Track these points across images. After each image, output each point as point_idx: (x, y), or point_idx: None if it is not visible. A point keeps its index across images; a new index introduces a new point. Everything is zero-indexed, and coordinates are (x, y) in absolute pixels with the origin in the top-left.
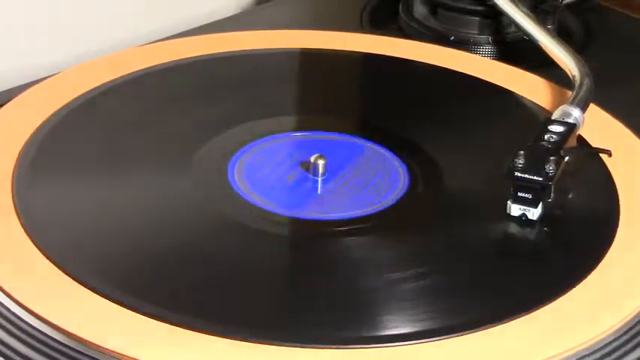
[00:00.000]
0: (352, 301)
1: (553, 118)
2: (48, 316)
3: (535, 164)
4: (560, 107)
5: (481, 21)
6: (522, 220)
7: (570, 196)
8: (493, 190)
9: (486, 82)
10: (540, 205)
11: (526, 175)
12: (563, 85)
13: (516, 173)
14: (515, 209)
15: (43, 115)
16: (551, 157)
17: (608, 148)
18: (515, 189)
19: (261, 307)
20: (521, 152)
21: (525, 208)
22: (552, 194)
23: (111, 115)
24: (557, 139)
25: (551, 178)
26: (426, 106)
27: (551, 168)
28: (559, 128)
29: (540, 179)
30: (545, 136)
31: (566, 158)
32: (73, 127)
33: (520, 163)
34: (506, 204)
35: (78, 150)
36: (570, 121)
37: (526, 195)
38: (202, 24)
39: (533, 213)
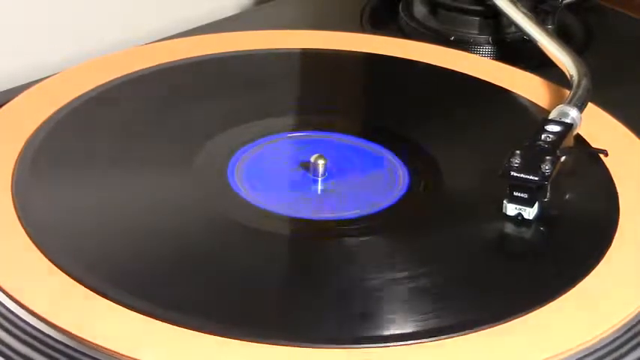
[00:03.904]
0: (352, 301)
1: (550, 117)
2: (48, 316)
3: (531, 164)
4: (557, 107)
5: (481, 21)
6: (518, 219)
7: (569, 196)
8: (492, 190)
9: (486, 82)
10: (536, 205)
11: (522, 175)
12: (562, 85)
13: (512, 173)
14: (511, 209)
15: (43, 115)
16: (548, 157)
17: (605, 148)
18: (511, 188)
19: (260, 307)
20: (518, 152)
21: (521, 207)
22: (548, 194)
23: (111, 116)
24: (553, 138)
25: (547, 178)
26: (426, 106)
27: (547, 167)
28: (556, 128)
29: (536, 179)
30: (542, 136)
31: (563, 158)
32: (73, 127)
33: (516, 163)
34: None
35: (78, 150)
36: (567, 120)
37: (522, 194)
38: (202, 24)
39: (529, 212)
